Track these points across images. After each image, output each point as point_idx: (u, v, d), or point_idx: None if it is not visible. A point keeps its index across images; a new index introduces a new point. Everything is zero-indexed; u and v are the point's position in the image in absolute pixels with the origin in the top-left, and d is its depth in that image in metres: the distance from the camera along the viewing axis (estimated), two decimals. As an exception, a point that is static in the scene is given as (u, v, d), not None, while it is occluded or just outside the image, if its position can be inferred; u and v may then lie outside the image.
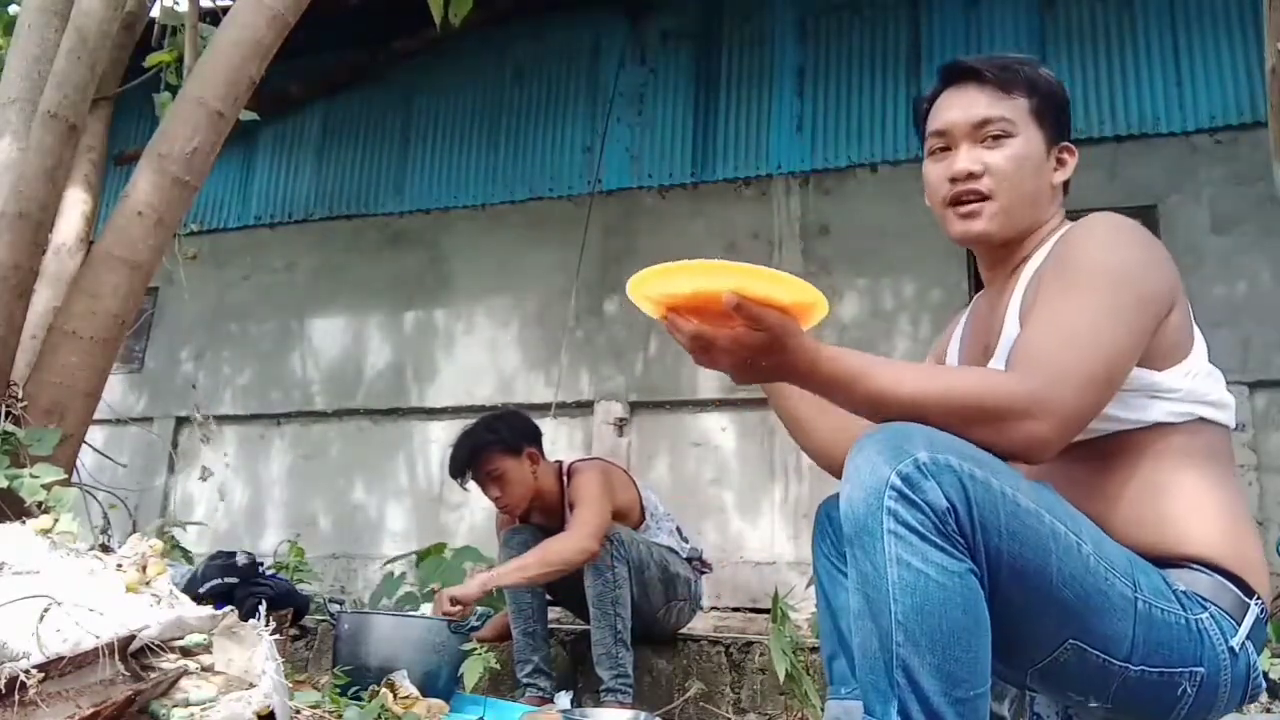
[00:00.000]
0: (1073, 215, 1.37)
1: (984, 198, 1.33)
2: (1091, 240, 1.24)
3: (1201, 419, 1.24)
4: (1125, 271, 1.21)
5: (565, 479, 2.99)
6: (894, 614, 1.03)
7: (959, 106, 1.36)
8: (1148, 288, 1.22)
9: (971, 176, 1.33)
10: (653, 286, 1.12)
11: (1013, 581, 1.08)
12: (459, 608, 2.63)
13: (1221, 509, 1.21)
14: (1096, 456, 1.24)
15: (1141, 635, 1.11)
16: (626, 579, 2.75)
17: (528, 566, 2.71)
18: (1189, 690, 1.13)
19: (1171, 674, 1.13)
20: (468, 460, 2.93)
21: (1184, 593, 1.16)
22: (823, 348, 1.15)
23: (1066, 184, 1.41)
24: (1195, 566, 1.19)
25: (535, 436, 3.02)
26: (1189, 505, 1.20)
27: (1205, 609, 1.15)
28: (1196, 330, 1.30)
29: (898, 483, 1.03)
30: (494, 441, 2.91)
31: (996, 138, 1.33)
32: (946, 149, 1.37)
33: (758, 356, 1.13)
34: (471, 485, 2.98)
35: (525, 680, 2.82)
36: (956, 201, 1.35)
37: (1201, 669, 1.13)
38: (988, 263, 1.43)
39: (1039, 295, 1.24)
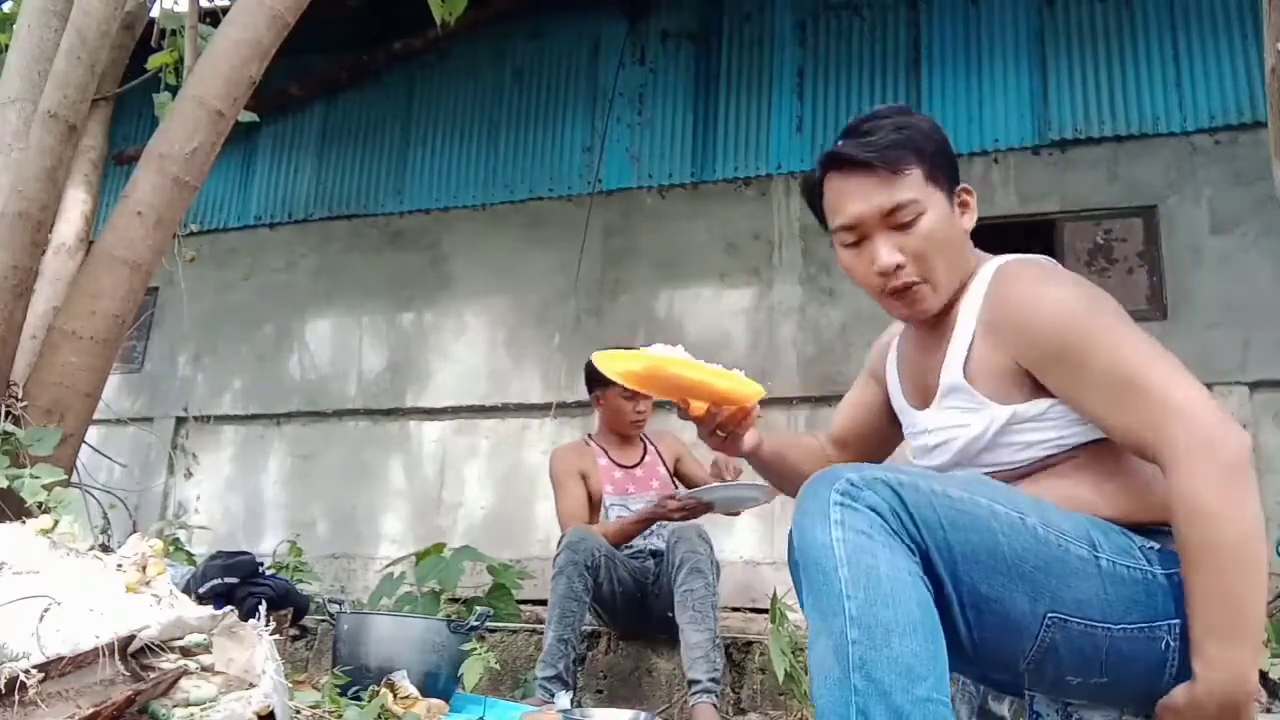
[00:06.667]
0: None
1: (917, 283, 1.33)
2: (1050, 297, 1.24)
3: None
4: (1098, 302, 1.23)
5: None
6: (847, 612, 1.04)
7: (859, 197, 1.32)
8: (1115, 303, 1.25)
9: (899, 268, 1.32)
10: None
11: (970, 568, 1.10)
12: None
13: None
14: (1072, 461, 1.26)
15: (1114, 593, 1.14)
16: (719, 580, 2.82)
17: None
18: (1172, 643, 1.14)
19: (1152, 628, 1.14)
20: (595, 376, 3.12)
21: (1154, 549, 1.18)
22: None
23: None
24: (1166, 528, 1.20)
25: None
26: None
27: (1177, 564, 1.16)
28: None
29: (838, 497, 1.09)
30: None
31: (907, 222, 1.31)
32: (859, 239, 1.35)
33: None
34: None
35: (542, 683, 2.76)
36: (893, 294, 1.35)
37: (1178, 620, 1.14)
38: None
39: (1069, 380, 1.21)
